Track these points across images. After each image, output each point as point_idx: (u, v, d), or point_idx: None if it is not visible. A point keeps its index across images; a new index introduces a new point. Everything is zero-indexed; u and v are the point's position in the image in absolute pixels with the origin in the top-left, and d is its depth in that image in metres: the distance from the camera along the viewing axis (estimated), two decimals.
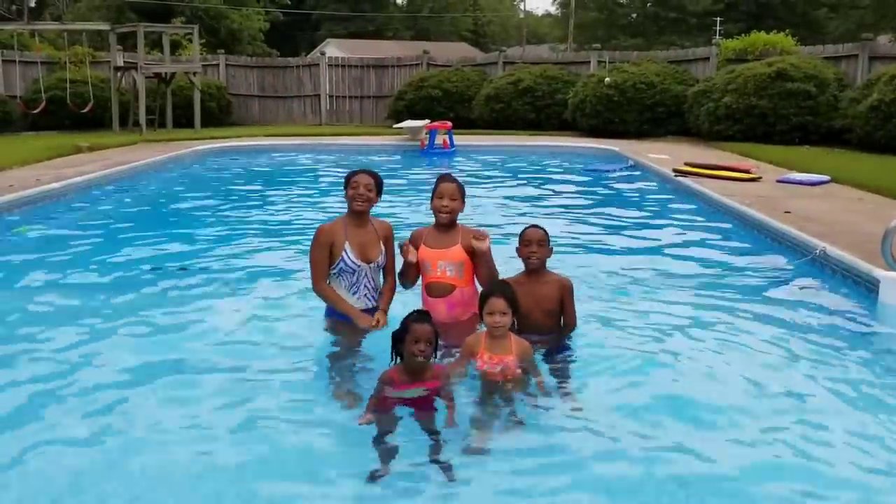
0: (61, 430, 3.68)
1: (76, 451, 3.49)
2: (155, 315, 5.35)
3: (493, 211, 9.52)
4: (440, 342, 3.90)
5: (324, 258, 4.69)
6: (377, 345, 4.34)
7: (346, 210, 4.82)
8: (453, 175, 4.83)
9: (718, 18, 44.69)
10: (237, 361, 4.49)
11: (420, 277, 4.77)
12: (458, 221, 4.76)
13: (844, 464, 3.40)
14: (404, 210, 9.19)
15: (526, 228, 4.64)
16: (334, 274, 4.72)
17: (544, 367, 4.23)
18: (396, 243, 4.78)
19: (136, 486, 3.21)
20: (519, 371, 3.99)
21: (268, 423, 3.74)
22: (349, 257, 4.66)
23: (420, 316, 3.82)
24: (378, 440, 3.50)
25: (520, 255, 4.60)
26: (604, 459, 3.44)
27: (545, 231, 4.61)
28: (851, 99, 15.76)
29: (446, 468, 3.28)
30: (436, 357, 3.90)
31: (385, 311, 4.71)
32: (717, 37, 30.09)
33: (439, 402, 3.78)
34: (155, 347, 4.74)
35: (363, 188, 4.69)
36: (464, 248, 4.62)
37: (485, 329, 4.09)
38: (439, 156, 16.33)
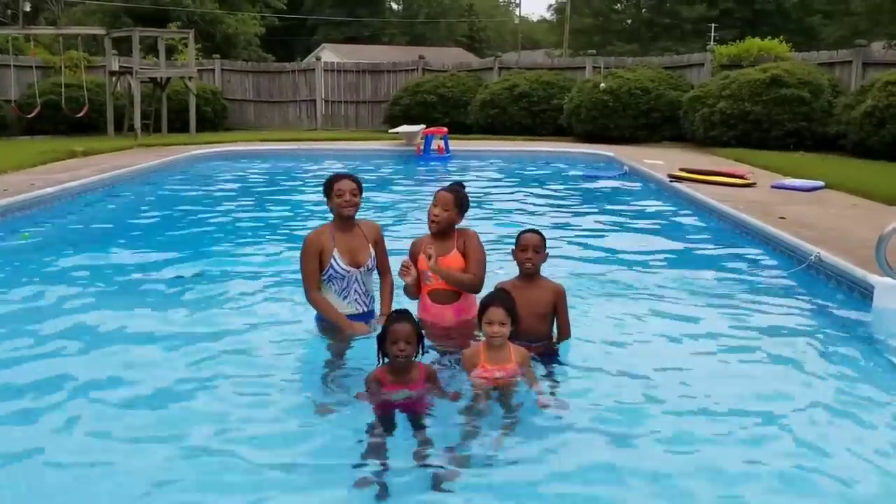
0: (54, 432, 3.68)
1: (68, 455, 3.48)
2: (146, 320, 5.34)
3: (487, 216, 9.52)
4: (444, 341, 3.91)
5: (314, 267, 4.68)
6: (368, 349, 4.35)
7: (332, 216, 4.81)
8: (460, 187, 4.79)
9: (713, 24, 44.87)
10: (229, 366, 4.48)
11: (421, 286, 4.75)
12: (455, 228, 4.75)
13: (839, 469, 3.39)
14: (399, 215, 9.18)
15: (523, 232, 4.58)
16: (324, 280, 4.72)
17: (540, 373, 4.23)
18: (406, 259, 4.71)
19: (125, 487, 3.21)
20: (516, 378, 3.97)
21: (258, 428, 3.73)
22: (338, 264, 4.66)
23: (398, 316, 3.84)
24: (370, 446, 3.50)
25: (515, 259, 4.56)
26: (594, 463, 3.44)
27: (543, 236, 4.57)
28: (845, 105, 15.82)
29: (436, 475, 3.28)
30: (421, 354, 3.90)
31: (387, 315, 4.68)
32: (712, 43, 30.21)
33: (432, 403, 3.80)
34: (146, 352, 4.72)
35: (349, 195, 4.66)
36: (459, 251, 4.61)
37: (482, 340, 4.06)
38: (435, 161, 16.33)
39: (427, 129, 17.45)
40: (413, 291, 4.77)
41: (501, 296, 4.12)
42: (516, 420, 3.75)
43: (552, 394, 4.09)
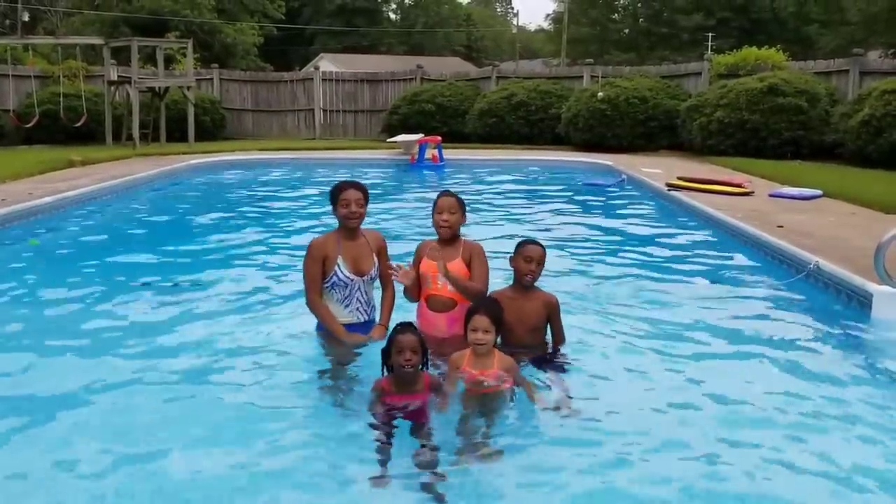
0: (50, 440, 3.68)
1: (63, 463, 3.48)
2: (145, 330, 5.32)
3: (483, 225, 9.51)
4: (430, 353, 3.93)
5: (317, 273, 4.67)
6: (368, 358, 4.34)
7: (337, 224, 4.80)
8: (451, 191, 4.80)
9: (710, 34, 44.93)
10: (228, 376, 4.48)
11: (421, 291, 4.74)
12: (461, 236, 4.74)
13: (837, 477, 3.39)
14: (394, 223, 9.17)
15: (527, 243, 4.52)
16: (327, 287, 4.70)
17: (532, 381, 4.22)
18: (398, 263, 4.71)
19: (129, 498, 3.21)
20: (505, 384, 3.97)
21: (259, 437, 3.72)
22: (342, 271, 4.65)
23: (404, 327, 3.86)
24: (376, 450, 3.51)
25: (513, 266, 4.52)
26: (591, 470, 3.44)
27: (545, 249, 4.54)
28: (843, 114, 15.86)
29: (440, 476, 3.30)
30: (426, 367, 3.91)
31: (385, 326, 4.65)
32: (709, 52, 30.27)
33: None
34: (145, 362, 4.71)
35: (354, 205, 4.63)
36: (464, 261, 4.60)
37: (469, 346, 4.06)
38: (429, 170, 16.33)
39: (421, 138, 17.44)
40: (413, 293, 4.75)
41: (487, 304, 4.11)
42: (503, 427, 3.75)
43: (551, 398, 4.09)
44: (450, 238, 4.66)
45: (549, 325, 4.58)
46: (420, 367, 3.85)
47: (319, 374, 4.49)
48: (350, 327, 4.71)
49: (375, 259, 4.77)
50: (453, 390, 3.96)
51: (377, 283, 4.89)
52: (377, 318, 4.84)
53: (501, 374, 3.97)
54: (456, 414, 3.84)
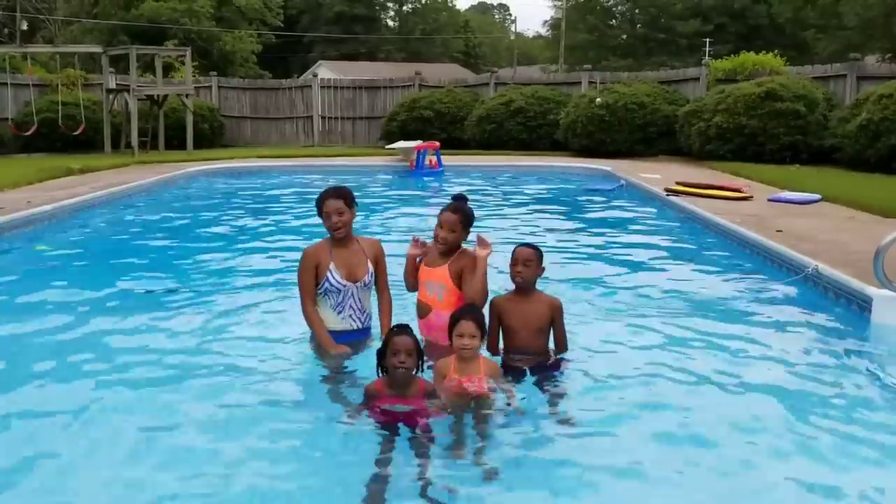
0: (48, 441, 3.66)
1: (58, 464, 3.49)
2: (143, 338, 5.31)
3: (480, 230, 9.48)
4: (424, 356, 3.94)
5: (310, 280, 4.68)
6: (363, 364, 4.34)
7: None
8: (462, 201, 4.77)
9: (708, 39, 45.10)
10: (224, 382, 4.47)
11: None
12: (463, 247, 4.72)
13: (835, 483, 3.38)
14: (390, 229, 9.16)
15: (516, 246, 4.62)
16: (320, 294, 4.71)
17: (530, 388, 4.21)
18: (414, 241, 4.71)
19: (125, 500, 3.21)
20: (488, 389, 3.96)
21: (256, 444, 3.71)
22: (334, 277, 4.65)
23: (400, 329, 3.87)
24: (375, 461, 3.49)
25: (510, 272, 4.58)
26: (589, 474, 3.44)
27: (536, 250, 4.57)
28: (840, 118, 15.90)
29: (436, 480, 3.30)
30: (421, 371, 3.90)
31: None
32: (707, 57, 30.34)
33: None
34: (143, 370, 4.69)
35: (335, 216, 4.62)
36: (450, 271, 4.59)
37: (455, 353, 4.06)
38: (428, 176, 16.33)
39: (419, 145, 17.44)
40: (411, 276, 4.79)
41: (471, 309, 4.14)
42: (492, 433, 3.73)
43: (552, 405, 4.09)
44: (445, 252, 4.65)
45: (552, 330, 4.58)
46: (415, 371, 3.84)
47: (315, 381, 4.47)
48: (343, 334, 4.71)
49: (370, 266, 4.77)
50: (445, 396, 3.94)
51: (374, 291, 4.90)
52: (373, 326, 4.84)
53: (489, 379, 3.98)
54: (449, 420, 3.83)
